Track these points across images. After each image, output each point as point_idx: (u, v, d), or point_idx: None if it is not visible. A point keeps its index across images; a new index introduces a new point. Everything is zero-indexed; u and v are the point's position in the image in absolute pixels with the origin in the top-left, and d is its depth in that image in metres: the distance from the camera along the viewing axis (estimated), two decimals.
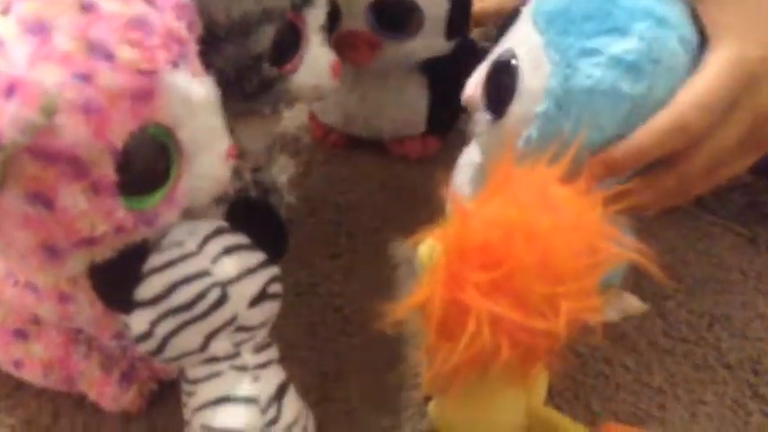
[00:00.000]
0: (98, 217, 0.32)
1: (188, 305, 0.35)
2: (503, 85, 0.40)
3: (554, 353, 0.36)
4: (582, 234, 0.34)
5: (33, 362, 0.42)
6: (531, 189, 0.35)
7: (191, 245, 0.36)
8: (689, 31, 0.38)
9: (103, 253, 0.34)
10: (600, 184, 0.35)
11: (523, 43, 0.40)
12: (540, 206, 0.34)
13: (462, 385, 0.37)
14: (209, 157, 0.36)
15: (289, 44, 0.45)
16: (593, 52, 0.37)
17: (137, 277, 0.35)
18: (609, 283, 0.45)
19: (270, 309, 0.38)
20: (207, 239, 0.36)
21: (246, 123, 0.38)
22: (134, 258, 0.35)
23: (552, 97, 0.37)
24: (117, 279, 0.35)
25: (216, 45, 0.37)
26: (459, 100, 0.44)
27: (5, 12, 0.30)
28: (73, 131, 0.29)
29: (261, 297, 0.37)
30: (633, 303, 0.47)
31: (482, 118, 0.42)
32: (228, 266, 0.36)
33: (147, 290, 0.35)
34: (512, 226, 0.33)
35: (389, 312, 0.35)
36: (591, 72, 0.37)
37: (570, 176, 0.35)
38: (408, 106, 0.59)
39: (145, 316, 0.35)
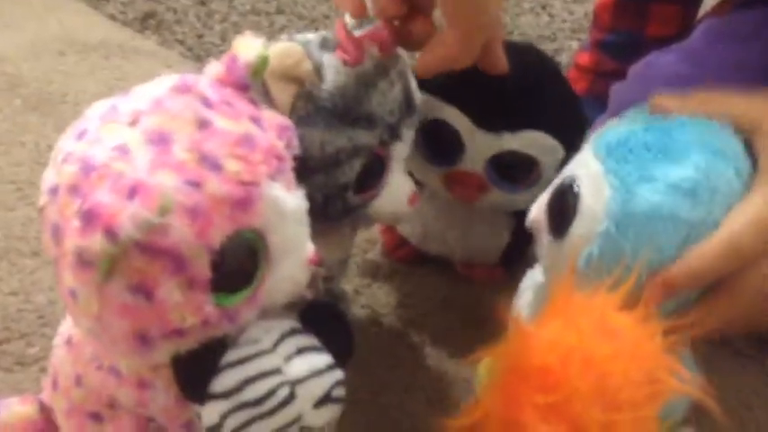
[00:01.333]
0: (189, 310, 0.35)
1: (258, 401, 0.36)
2: (565, 207, 0.42)
3: None
4: (640, 363, 0.35)
5: None
6: (590, 314, 0.36)
7: (266, 342, 0.38)
8: (745, 164, 0.40)
9: (188, 344, 0.36)
10: (662, 311, 0.36)
11: (584, 169, 0.42)
12: (599, 332, 0.35)
13: None
14: (292, 261, 0.38)
15: (372, 174, 0.48)
16: (651, 179, 0.39)
17: (214, 370, 0.37)
18: (670, 415, 0.45)
19: (333, 411, 0.39)
20: (281, 338, 0.38)
21: (325, 238, 0.41)
22: (214, 352, 0.37)
23: (612, 218, 0.39)
24: (196, 370, 0.37)
25: (307, 174, 0.41)
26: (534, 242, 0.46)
27: (133, 123, 0.35)
28: (179, 231, 0.33)
29: (326, 399, 0.38)
30: None
31: (545, 240, 0.44)
32: (299, 366, 0.38)
33: (221, 383, 0.37)
34: (569, 350, 0.34)
35: (445, 428, 0.36)
36: (649, 197, 0.39)
37: (631, 302, 0.36)
38: (490, 239, 0.61)
39: (217, 408, 0.36)
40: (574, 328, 0.36)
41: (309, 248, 0.39)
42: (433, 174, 0.56)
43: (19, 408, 0.47)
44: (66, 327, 0.44)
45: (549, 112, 0.54)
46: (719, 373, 0.55)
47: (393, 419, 0.52)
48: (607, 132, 0.43)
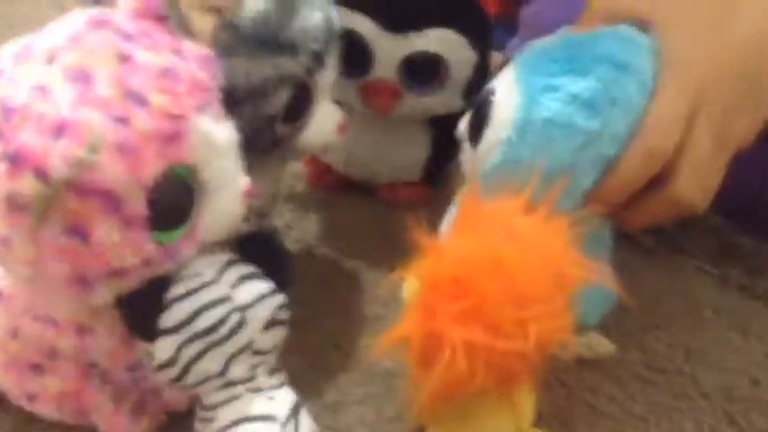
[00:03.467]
0: (128, 249, 0.34)
1: (210, 329, 0.37)
2: (480, 114, 0.44)
3: (531, 374, 0.39)
4: (546, 260, 0.37)
5: (47, 395, 0.44)
6: (496, 221, 0.38)
7: (210, 274, 0.38)
8: (650, 77, 0.42)
9: (129, 284, 0.36)
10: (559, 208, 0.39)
11: (502, 81, 0.44)
12: (505, 237, 0.37)
13: (451, 412, 0.40)
14: (227, 195, 0.38)
15: (300, 104, 0.48)
16: (554, 88, 0.41)
17: (161, 306, 0.37)
18: (586, 322, 0.49)
19: (280, 334, 0.40)
20: (223, 269, 0.39)
21: (255, 172, 0.41)
22: (158, 289, 0.37)
23: (514, 126, 0.41)
24: (143, 309, 0.37)
25: (234, 106, 0.41)
26: (455, 154, 0.47)
27: (50, 61, 0.33)
28: (111, 169, 0.32)
29: (273, 322, 0.40)
30: (603, 343, 0.50)
31: (467, 148, 0.46)
32: (245, 293, 0.39)
33: (170, 318, 0.37)
34: (477, 258, 0.36)
35: (377, 346, 0.38)
36: (549, 105, 0.41)
37: (534, 204, 0.39)
38: (410, 154, 0.63)
39: (170, 342, 0.37)
40: (481, 236, 0.38)
41: (244, 181, 0.40)
42: (347, 88, 0.57)
43: None
44: None
45: (451, 8, 0.55)
46: (633, 271, 0.59)
47: (334, 343, 0.53)
48: (526, 50, 0.45)
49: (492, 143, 0.43)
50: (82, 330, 0.40)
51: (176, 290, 0.37)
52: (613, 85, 0.41)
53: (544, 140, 0.41)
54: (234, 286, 0.39)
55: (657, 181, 0.42)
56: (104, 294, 0.36)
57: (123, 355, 0.41)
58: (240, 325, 0.38)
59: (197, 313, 0.37)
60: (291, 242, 0.61)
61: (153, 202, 0.34)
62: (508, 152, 0.42)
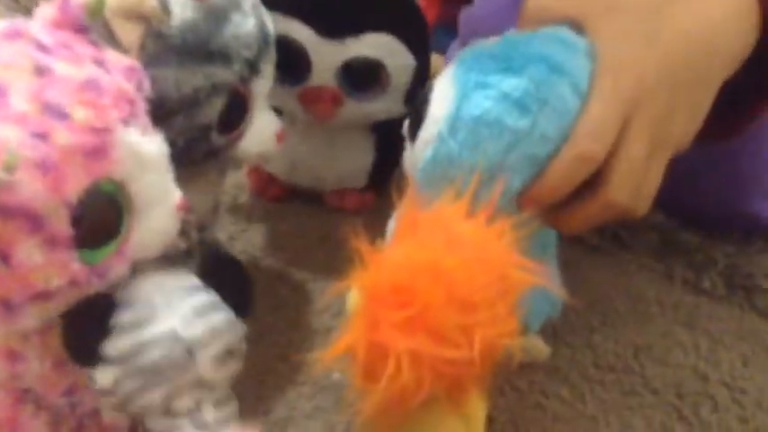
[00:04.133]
0: (53, 270, 0.33)
1: (154, 366, 0.35)
2: (418, 112, 0.44)
3: (481, 380, 0.38)
4: (488, 264, 0.36)
5: None
6: (436, 228, 0.38)
7: (160, 303, 0.36)
8: (585, 79, 0.42)
9: (57, 306, 0.35)
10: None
11: (441, 79, 0.44)
12: (446, 243, 0.37)
13: (400, 422, 0.39)
14: (159, 211, 0.37)
15: (235, 113, 0.47)
16: (486, 86, 0.41)
17: (105, 332, 0.35)
18: (528, 327, 0.49)
19: (233, 366, 0.39)
20: (177, 298, 0.37)
21: (192, 184, 0.40)
22: (103, 313, 0.36)
23: (446, 122, 0.41)
24: (85, 333, 0.35)
25: (165, 117, 0.39)
26: (400, 159, 0.47)
27: None
28: (31, 187, 0.31)
29: (227, 355, 0.38)
30: (538, 346, 0.51)
31: (408, 147, 0.46)
32: (196, 327, 0.36)
33: (114, 346, 0.35)
34: (418, 265, 0.36)
35: (320, 359, 0.37)
36: (480, 102, 0.41)
37: (471, 206, 0.38)
38: (355, 161, 0.62)
39: (110, 372, 0.35)
40: (421, 242, 0.37)
41: (176, 195, 0.38)
42: (287, 96, 0.56)
43: None
44: None
45: (388, 13, 0.55)
46: (578, 269, 0.59)
47: (280, 357, 0.52)
48: (466, 49, 0.45)
49: (426, 140, 0.42)
50: (12, 356, 0.39)
51: (123, 317, 0.36)
52: (545, 85, 0.40)
53: (474, 138, 0.41)
54: (184, 319, 0.36)
55: (591, 185, 0.42)
56: (30, 318, 0.34)
57: (57, 380, 0.40)
58: (186, 362, 0.36)
59: (140, 347, 0.35)
60: (235, 254, 0.59)
61: (77, 220, 0.33)
62: (439, 148, 0.41)
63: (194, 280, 0.38)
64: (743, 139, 0.52)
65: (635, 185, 0.42)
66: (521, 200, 0.41)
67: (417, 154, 0.43)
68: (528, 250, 0.46)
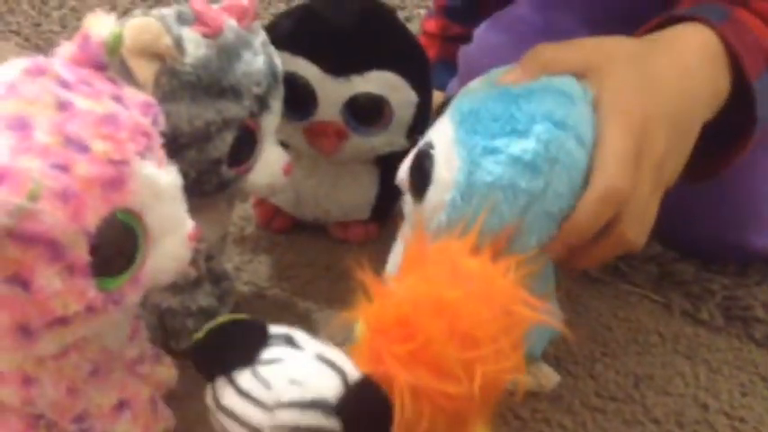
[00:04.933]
0: (71, 297, 0.34)
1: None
2: (423, 171, 0.44)
3: (485, 411, 0.39)
4: (492, 300, 0.37)
5: None
6: (442, 264, 0.38)
7: (273, 397, 0.35)
8: (587, 130, 0.43)
9: (73, 332, 0.36)
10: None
11: (441, 135, 0.44)
12: (451, 279, 0.37)
13: None
14: (172, 239, 0.38)
15: (245, 147, 0.48)
16: (494, 151, 0.41)
17: (242, 359, 0.36)
18: (531, 354, 0.49)
19: None
20: (290, 405, 0.35)
21: (202, 214, 0.41)
22: (255, 343, 0.37)
23: (458, 189, 0.42)
24: (226, 349, 0.36)
25: (178, 151, 0.41)
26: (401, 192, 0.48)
27: None
28: (52, 216, 0.32)
29: None
30: (548, 375, 0.51)
31: (409, 200, 0.46)
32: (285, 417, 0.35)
33: (223, 390, 0.36)
34: (422, 299, 0.36)
35: None
36: (492, 169, 0.41)
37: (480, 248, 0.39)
38: (359, 193, 0.64)
39: (213, 401, 0.36)
40: (426, 277, 0.38)
41: (189, 225, 0.39)
42: (293, 130, 0.58)
43: None
44: None
45: (391, 51, 0.57)
46: (579, 300, 0.60)
47: None
48: (463, 99, 0.45)
49: (436, 204, 0.43)
50: (26, 381, 0.39)
51: (245, 377, 0.36)
52: (553, 144, 0.41)
53: (488, 202, 0.41)
54: (275, 428, 0.35)
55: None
56: (47, 343, 0.35)
57: (70, 405, 0.40)
58: None
59: (231, 413, 0.36)
60: (241, 284, 0.60)
61: (96, 249, 0.34)
62: (453, 213, 0.42)
63: (329, 392, 0.35)
64: (736, 175, 0.54)
65: (642, 221, 0.43)
66: (550, 248, 0.42)
67: (427, 215, 0.43)
68: (530, 284, 0.47)
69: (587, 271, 0.64)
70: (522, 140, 0.41)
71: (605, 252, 0.44)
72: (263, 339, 0.37)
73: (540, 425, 0.51)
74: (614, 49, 0.46)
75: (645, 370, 0.55)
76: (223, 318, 0.37)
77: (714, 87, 0.47)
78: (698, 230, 0.64)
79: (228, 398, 0.36)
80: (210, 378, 0.37)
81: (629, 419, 0.51)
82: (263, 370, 0.36)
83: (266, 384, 0.35)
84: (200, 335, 0.36)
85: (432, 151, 0.44)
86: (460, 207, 0.42)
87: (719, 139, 0.50)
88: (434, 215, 0.43)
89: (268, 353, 0.36)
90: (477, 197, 0.41)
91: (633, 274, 0.64)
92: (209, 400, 0.37)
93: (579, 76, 0.45)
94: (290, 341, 0.38)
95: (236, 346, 0.36)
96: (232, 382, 0.36)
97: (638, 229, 0.43)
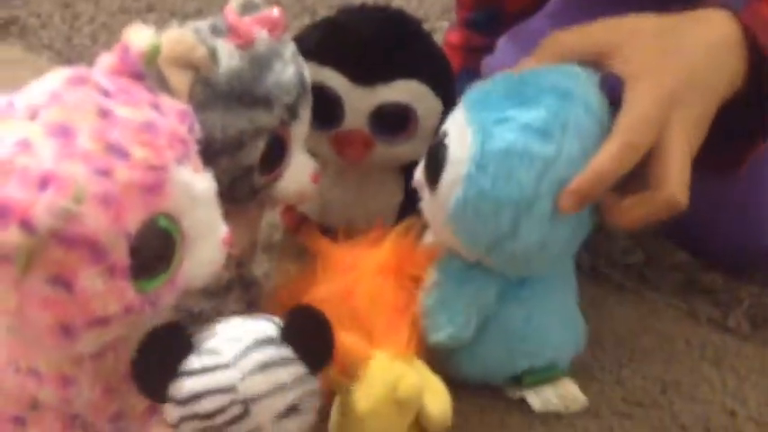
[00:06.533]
0: (111, 298, 0.35)
1: (208, 415, 0.38)
2: (437, 159, 0.46)
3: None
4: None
5: None
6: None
7: (227, 356, 0.39)
8: (595, 99, 0.44)
9: (111, 333, 0.37)
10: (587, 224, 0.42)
11: (454, 122, 0.46)
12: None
13: None
14: (207, 244, 0.39)
15: (275, 155, 0.49)
16: (505, 120, 0.43)
17: (173, 373, 0.38)
18: (555, 367, 0.49)
19: (302, 421, 0.40)
20: (244, 352, 0.39)
21: (234, 220, 0.42)
22: (177, 354, 0.39)
23: (473, 160, 0.43)
24: (156, 370, 0.38)
25: (212, 158, 0.42)
26: None
27: (32, 117, 0.35)
28: (94, 219, 0.33)
29: (290, 411, 0.39)
30: (575, 395, 0.51)
31: (426, 195, 0.47)
32: (257, 383, 0.38)
33: (179, 389, 0.38)
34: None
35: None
36: (504, 135, 0.42)
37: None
38: (384, 201, 0.64)
39: (174, 411, 0.38)
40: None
41: (223, 229, 0.41)
42: (319, 139, 0.59)
43: None
44: None
45: (416, 60, 0.58)
46: (603, 307, 0.61)
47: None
48: (474, 89, 0.47)
49: (452, 182, 0.44)
50: (64, 380, 0.40)
51: (192, 363, 0.38)
52: (562, 111, 0.43)
53: (504, 169, 0.42)
54: (247, 375, 0.38)
55: (639, 185, 0.44)
56: (87, 343, 0.36)
57: (106, 405, 0.42)
58: (241, 416, 0.38)
59: (199, 396, 0.38)
60: (270, 290, 0.61)
61: (135, 251, 0.35)
62: (469, 186, 0.43)
63: (270, 331, 0.40)
64: (761, 183, 0.54)
65: (685, 180, 0.44)
66: (565, 194, 0.43)
67: (444, 197, 0.45)
68: (550, 291, 0.48)
69: (612, 277, 0.64)
70: (531, 109, 0.43)
71: (650, 211, 0.45)
72: (186, 339, 0.39)
73: (567, 430, 0.51)
74: (637, 25, 0.47)
75: (672, 376, 0.55)
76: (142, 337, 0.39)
77: (733, 68, 0.48)
78: (724, 239, 0.64)
79: (189, 386, 0.38)
80: (161, 393, 0.38)
81: (657, 425, 0.51)
82: (204, 346, 0.39)
83: (215, 352, 0.39)
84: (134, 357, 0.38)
85: (445, 140, 0.45)
86: (476, 179, 0.43)
87: (740, 133, 0.51)
88: (451, 192, 0.44)
89: (199, 337, 0.40)
90: (493, 165, 0.42)
91: (659, 282, 0.64)
92: (167, 415, 0.39)
93: (603, 57, 0.46)
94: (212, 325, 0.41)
95: (165, 352, 0.39)
96: (183, 374, 0.38)
97: (683, 189, 0.44)
